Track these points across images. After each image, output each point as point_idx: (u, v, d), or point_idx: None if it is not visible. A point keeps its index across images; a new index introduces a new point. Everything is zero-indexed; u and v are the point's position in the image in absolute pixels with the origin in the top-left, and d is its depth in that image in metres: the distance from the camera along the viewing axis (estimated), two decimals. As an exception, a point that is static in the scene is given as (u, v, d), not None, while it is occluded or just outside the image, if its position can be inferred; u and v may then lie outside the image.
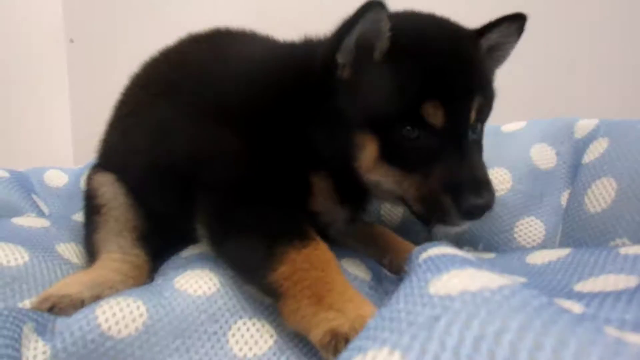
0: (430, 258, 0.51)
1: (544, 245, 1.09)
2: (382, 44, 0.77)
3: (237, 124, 0.86)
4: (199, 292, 0.75)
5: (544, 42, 1.62)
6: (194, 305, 0.73)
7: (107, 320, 0.64)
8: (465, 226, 0.82)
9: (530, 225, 1.12)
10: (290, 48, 0.98)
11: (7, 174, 1.29)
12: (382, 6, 0.72)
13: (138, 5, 2.11)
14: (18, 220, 1.03)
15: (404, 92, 0.76)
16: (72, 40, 2.05)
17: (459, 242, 1.19)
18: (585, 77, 1.78)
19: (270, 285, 0.70)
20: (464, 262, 0.46)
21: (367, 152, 0.80)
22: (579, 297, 0.49)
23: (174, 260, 0.92)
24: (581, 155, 1.13)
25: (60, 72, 2.00)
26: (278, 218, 0.77)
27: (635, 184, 0.93)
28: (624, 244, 0.90)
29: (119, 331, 0.65)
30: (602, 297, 0.47)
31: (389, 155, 0.79)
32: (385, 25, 0.75)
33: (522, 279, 0.72)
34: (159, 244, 0.96)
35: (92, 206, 0.97)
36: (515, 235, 1.12)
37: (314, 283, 0.67)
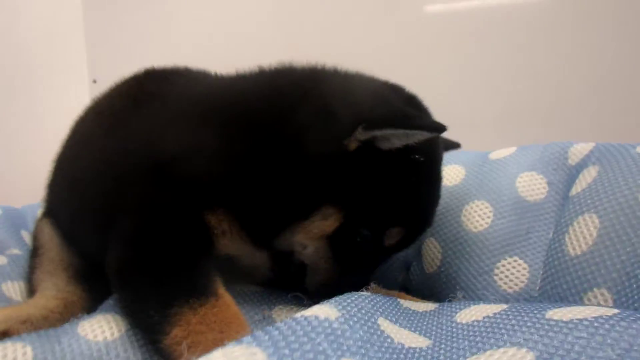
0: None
1: (527, 290, 0.94)
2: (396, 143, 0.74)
3: (147, 165, 0.81)
4: (99, 338, 0.71)
5: (540, 66, 1.50)
6: (88, 353, 0.68)
7: (-13, 366, 0.62)
8: None
9: (513, 267, 0.97)
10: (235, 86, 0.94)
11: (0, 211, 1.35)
12: (440, 133, 0.73)
13: (160, 49, 2.21)
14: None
15: (383, 209, 0.78)
16: (94, 81, 2.17)
17: (436, 285, 1.07)
18: (582, 102, 1.64)
19: (163, 351, 0.64)
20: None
21: (323, 225, 0.77)
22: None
23: (108, 299, 0.89)
24: (572, 185, 0.98)
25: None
26: (178, 271, 0.70)
27: (619, 222, 0.78)
28: (602, 295, 0.75)
29: (-3, 378, 0.62)
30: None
31: (336, 240, 0.79)
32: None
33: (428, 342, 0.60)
34: (98, 281, 0.93)
35: (32, 249, 1.01)
36: (496, 278, 0.98)
37: (209, 347, 0.59)
